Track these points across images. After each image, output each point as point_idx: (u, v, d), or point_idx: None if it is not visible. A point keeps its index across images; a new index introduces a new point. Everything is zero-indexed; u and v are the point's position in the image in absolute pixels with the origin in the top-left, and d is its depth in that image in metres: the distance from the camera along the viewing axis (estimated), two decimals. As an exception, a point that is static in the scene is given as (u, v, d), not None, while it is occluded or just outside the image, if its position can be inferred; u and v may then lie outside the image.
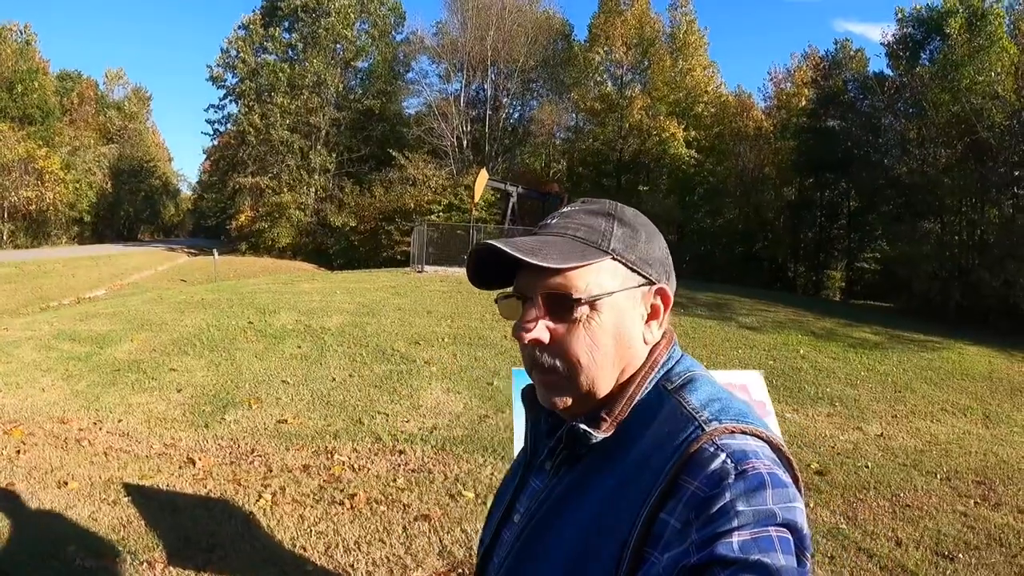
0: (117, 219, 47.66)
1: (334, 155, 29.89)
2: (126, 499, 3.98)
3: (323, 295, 11.76)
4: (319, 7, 30.17)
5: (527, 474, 0.91)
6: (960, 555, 3.55)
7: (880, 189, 23.74)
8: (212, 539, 3.45)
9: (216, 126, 34.25)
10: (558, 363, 0.80)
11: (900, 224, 20.59)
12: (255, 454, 4.87)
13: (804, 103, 29.87)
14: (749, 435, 0.74)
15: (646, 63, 30.76)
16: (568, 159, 31.96)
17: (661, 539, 0.68)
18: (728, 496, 0.66)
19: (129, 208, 49.08)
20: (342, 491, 4.17)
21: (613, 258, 0.80)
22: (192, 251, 31.12)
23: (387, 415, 5.83)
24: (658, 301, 0.85)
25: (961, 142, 18.56)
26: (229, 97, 32.19)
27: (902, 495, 4.50)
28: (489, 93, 30.29)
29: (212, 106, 33.54)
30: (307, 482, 4.34)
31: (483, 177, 21.89)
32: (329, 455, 4.87)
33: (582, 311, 0.78)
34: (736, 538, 0.64)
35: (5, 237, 32.35)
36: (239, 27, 31.85)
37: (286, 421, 5.57)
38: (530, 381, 0.88)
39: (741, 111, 32.80)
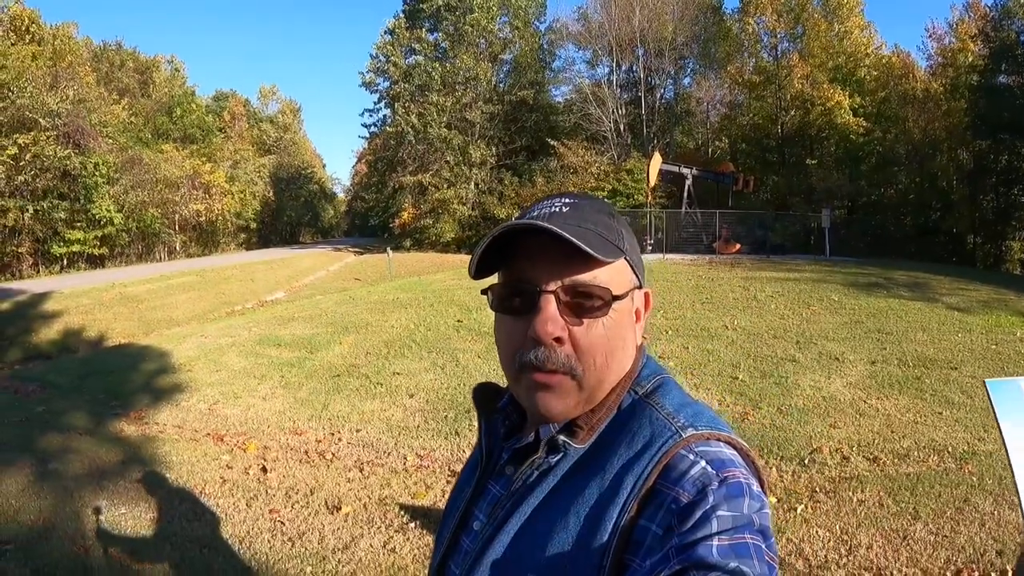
0: (280, 224, 51.20)
1: (492, 148, 30.46)
2: (412, 524, 3.72)
3: (520, 291, 11.62)
4: (461, 4, 30.81)
5: (484, 480, 0.88)
6: None
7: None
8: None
9: (372, 129, 35.98)
10: (573, 362, 0.75)
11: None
12: (527, 466, 4.72)
13: (972, 59, 27.14)
14: (723, 443, 0.74)
15: (800, 29, 29.05)
16: (727, 136, 30.76)
17: (643, 546, 0.67)
18: (711, 501, 0.66)
19: (291, 213, 52.47)
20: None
21: (624, 258, 0.79)
22: (357, 250, 32.81)
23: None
24: (641, 305, 0.85)
25: None
26: (383, 100, 33.62)
27: None
28: (641, 75, 29.69)
29: (367, 110, 35.31)
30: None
31: (657, 161, 21.51)
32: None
33: (608, 308, 0.76)
34: (716, 543, 0.63)
35: (179, 247, 35.47)
36: (385, 32, 33.14)
37: (547, 427, 5.43)
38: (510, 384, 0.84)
39: (905, 72, 30.36)
